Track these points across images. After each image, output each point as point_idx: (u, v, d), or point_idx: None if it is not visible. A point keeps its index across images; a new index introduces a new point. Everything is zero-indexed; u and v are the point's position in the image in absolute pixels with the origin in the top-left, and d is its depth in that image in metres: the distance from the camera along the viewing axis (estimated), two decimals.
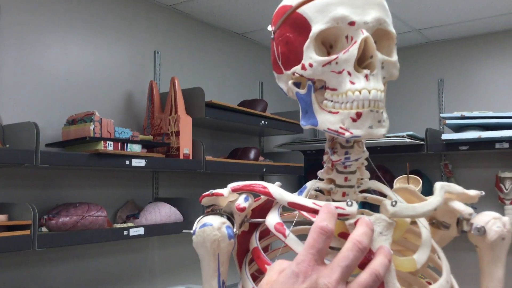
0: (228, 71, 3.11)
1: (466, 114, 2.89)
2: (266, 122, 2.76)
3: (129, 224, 2.20)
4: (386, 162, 3.52)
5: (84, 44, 2.33)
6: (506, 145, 2.79)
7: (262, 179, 3.21)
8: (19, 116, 2.00)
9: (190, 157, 2.35)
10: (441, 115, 3.08)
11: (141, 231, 2.12)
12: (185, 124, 2.34)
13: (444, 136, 2.96)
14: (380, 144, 3.13)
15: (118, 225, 2.17)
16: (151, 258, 2.55)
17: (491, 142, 2.83)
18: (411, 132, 3.03)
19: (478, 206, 3.16)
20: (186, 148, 2.33)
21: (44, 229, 1.93)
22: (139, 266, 2.49)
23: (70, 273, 2.19)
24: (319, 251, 0.53)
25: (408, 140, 2.97)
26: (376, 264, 0.54)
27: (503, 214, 3.03)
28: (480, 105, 3.27)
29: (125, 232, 2.07)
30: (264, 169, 2.77)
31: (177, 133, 2.32)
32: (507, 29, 3.21)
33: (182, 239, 2.66)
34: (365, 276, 0.54)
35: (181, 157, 2.30)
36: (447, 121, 2.95)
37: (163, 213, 2.31)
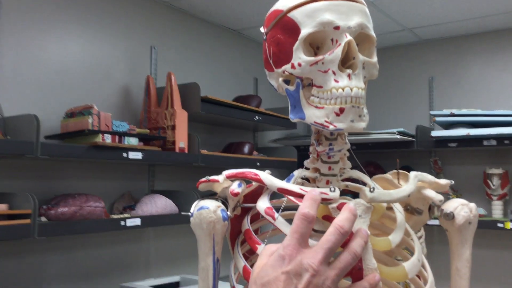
0: (224, 67, 3.17)
1: (455, 111, 2.97)
2: (260, 118, 2.82)
3: (126, 215, 2.26)
4: (378, 158, 3.60)
5: (82, 39, 2.38)
6: (493, 142, 2.87)
7: None
8: (19, 108, 2.05)
9: (186, 151, 2.41)
10: (431, 112, 3.15)
11: (137, 221, 2.18)
12: (181, 118, 2.40)
13: (434, 133, 3.04)
14: (371, 141, 3.21)
15: (115, 216, 2.23)
16: (147, 248, 2.61)
17: (479, 139, 2.91)
18: (401, 129, 3.10)
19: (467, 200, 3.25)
20: (181, 142, 2.39)
21: (43, 218, 1.99)
22: (135, 256, 2.55)
23: (69, 262, 2.25)
24: (302, 235, 0.60)
25: (398, 136, 3.05)
26: (354, 244, 0.61)
27: (490, 209, 3.11)
28: (469, 103, 3.35)
29: (122, 223, 2.13)
30: (258, 164, 2.84)
31: (173, 127, 2.38)
32: (496, 29, 3.29)
33: (177, 230, 2.73)
34: (344, 255, 0.61)
35: (177, 150, 2.36)
36: (437, 119, 3.02)
37: (159, 204, 2.37)
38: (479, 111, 2.94)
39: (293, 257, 0.58)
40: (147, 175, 2.65)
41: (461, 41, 3.43)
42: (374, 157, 3.62)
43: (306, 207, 0.60)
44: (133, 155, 2.17)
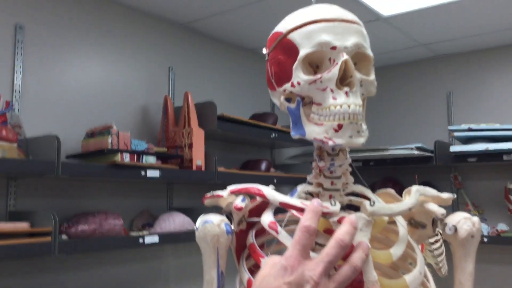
0: (239, 85, 3.22)
1: (473, 126, 2.94)
2: (276, 135, 2.85)
3: (145, 232, 2.30)
4: (396, 174, 3.58)
5: (102, 61, 2.46)
6: None
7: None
8: (41, 129, 2.12)
9: (203, 169, 2.44)
10: (449, 127, 3.13)
11: (156, 239, 2.22)
12: (198, 136, 2.44)
13: (453, 148, 3.01)
14: (389, 157, 3.20)
15: (134, 233, 2.26)
16: (166, 265, 2.64)
17: (499, 154, 2.87)
18: (420, 144, 3.09)
19: (488, 217, 3.20)
20: (199, 159, 2.43)
21: (64, 236, 2.04)
22: (154, 273, 2.58)
23: (88, 279, 2.29)
24: (304, 246, 0.61)
25: (416, 152, 3.03)
26: (355, 258, 0.63)
27: None
28: (488, 118, 3.32)
29: (141, 240, 2.16)
30: (275, 180, 2.85)
31: (190, 146, 2.42)
32: None
33: (195, 247, 2.74)
34: (345, 268, 0.62)
35: (194, 168, 2.40)
36: (455, 134, 3.00)
37: (177, 222, 2.41)
38: (497, 126, 2.91)
39: (295, 268, 0.60)
40: (166, 192, 2.69)
41: (478, 56, 3.42)
42: (392, 173, 3.60)
43: (307, 219, 0.62)
44: (151, 173, 2.21)
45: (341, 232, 0.62)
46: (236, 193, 0.75)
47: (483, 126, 2.94)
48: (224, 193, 0.75)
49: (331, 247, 0.62)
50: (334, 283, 0.61)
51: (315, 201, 0.63)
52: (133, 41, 2.61)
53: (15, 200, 2.06)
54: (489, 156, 2.91)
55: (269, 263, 0.63)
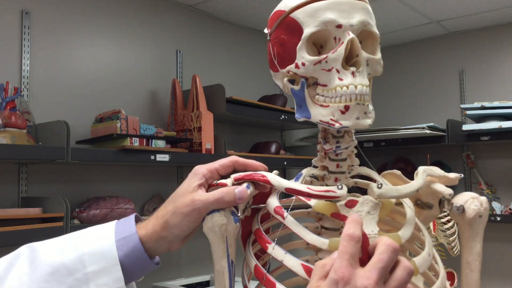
0: (248, 67, 3.19)
1: (486, 104, 2.89)
2: (286, 117, 2.83)
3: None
4: (408, 154, 3.54)
5: (109, 45, 2.45)
6: None
7: (284, 172, 3.29)
8: (50, 115, 2.13)
9: (212, 152, 2.44)
10: (461, 106, 3.08)
11: None
12: (207, 120, 2.43)
13: (465, 127, 2.97)
14: (401, 136, 3.17)
15: (145, 217, 2.27)
16: (178, 249, 2.65)
17: None
18: (431, 124, 3.05)
19: (501, 196, 3.17)
20: (208, 143, 2.43)
21: (76, 221, 2.06)
22: (166, 257, 2.60)
23: None
24: (352, 255, 0.57)
25: (428, 131, 2.99)
26: (405, 260, 0.58)
27: None
28: (502, 95, 3.25)
29: None
30: (285, 163, 2.84)
31: (199, 129, 2.41)
32: None
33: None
34: (399, 272, 0.57)
35: (204, 151, 2.39)
36: (468, 112, 2.96)
37: None
38: (511, 103, 2.86)
39: (345, 279, 0.56)
40: (176, 176, 2.70)
41: (491, 32, 3.34)
42: (404, 153, 3.57)
43: (350, 228, 0.58)
44: (161, 157, 2.21)
45: (387, 238, 0.58)
46: (240, 180, 0.73)
47: (496, 104, 2.89)
48: (228, 181, 0.73)
49: (381, 252, 0.57)
50: None
51: (355, 215, 0.60)
52: (140, 25, 2.59)
53: (26, 186, 2.08)
54: (502, 134, 2.87)
55: (318, 272, 0.59)
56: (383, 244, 0.58)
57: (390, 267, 0.58)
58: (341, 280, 0.56)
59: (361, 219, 0.60)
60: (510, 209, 3.03)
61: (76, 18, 2.31)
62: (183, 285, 2.34)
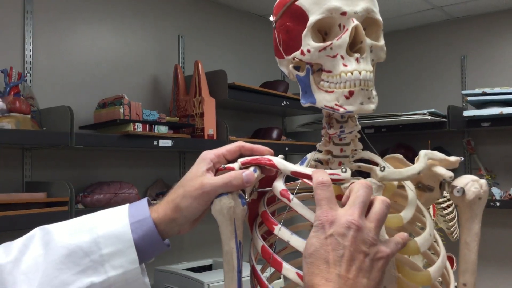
0: (250, 53, 3.19)
1: (487, 90, 2.90)
2: (287, 103, 2.84)
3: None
4: (409, 140, 3.56)
5: (112, 31, 2.45)
6: None
7: (285, 158, 3.30)
8: (54, 100, 2.14)
9: (215, 137, 2.45)
10: (463, 92, 3.09)
11: None
12: (209, 105, 2.44)
13: (466, 113, 2.98)
14: (402, 122, 3.18)
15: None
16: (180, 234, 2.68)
17: None
18: (432, 110, 3.06)
19: (501, 182, 3.19)
20: (210, 128, 2.44)
21: (80, 205, 2.08)
22: (170, 241, 2.63)
23: None
24: (328, 199, 0.63)
25: (429, 117, 3.00)
26: (381, 197, 0.65)
27: None
28: (503, 82, 3.26)
29: None
30: (287, 148, 2.86)
31: (202, 115, 2.43)
32: None
33: (208, 216, 2.78)
34: (377, 205, 0.63)
35: (206, 137, 2.41)
36: (469, 98, 2.97)
37: None
38: None
39: (329, 220, 0.61)
40: (178, 161, 2.72)
41: (492, 18, 3.33)
42: (405, 139, 3.58)
43: (318, 176, 0.65)
44: (164, 143, 2.23)
45: (359, 180, 0.65)
46: (247, 164, 0.75)
47: (497, 90, 2.90)
48: (235, 165, 0.75)
49: (357, 190, 0.63)
50: (374, 222, 0.62)
51: (316, 169, 0.66)
52: (143, 10, 2.58)
53: (31, 171, 2.10)
54: (503, 121, 2.88)
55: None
56: (357, 183, 0.64)
57: (368, 202, 0.63)
58: (326, 223, 0.61)
59: (325, 171, 0.66)
60: (509, 194, 3.05)
61: (79, 4, 2.31)
62: (186, 269, 2.37)
